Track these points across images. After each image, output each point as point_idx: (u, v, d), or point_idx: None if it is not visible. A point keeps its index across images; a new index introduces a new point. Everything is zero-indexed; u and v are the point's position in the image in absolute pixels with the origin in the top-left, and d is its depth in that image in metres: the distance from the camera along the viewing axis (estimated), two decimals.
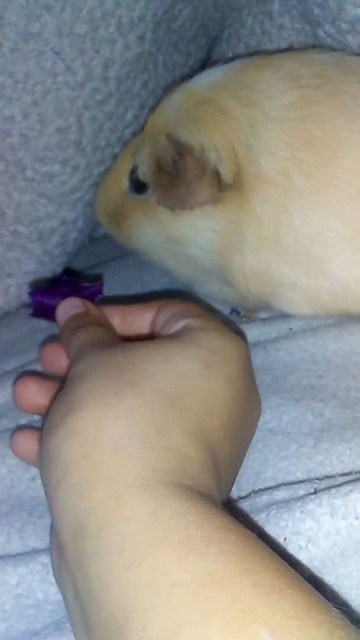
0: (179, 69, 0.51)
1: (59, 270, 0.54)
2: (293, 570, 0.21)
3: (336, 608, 0.19)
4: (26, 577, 0.27)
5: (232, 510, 0.29)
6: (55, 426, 0.26)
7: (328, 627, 0.18)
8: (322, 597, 0.20)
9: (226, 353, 0.30)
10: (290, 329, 0.41)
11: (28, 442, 0.33)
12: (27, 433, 0.34)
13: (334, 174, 0.37)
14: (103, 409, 0.25)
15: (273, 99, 0.38)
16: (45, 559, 0.28)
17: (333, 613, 0.19)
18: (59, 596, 0.27)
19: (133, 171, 0.43)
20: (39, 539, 0.32)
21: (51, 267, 0.53)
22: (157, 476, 0.23)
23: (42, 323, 0.51)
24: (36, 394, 0.34)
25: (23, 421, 0.40)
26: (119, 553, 0.21)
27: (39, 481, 0.36)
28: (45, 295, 0.41)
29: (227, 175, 0.38)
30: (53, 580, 0.27)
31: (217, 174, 0.39)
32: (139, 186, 0.43)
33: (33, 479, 0.37)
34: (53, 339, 0.38)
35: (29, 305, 0.42)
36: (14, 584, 0.27)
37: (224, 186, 0.39)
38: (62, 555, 0.23)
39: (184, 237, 0.41)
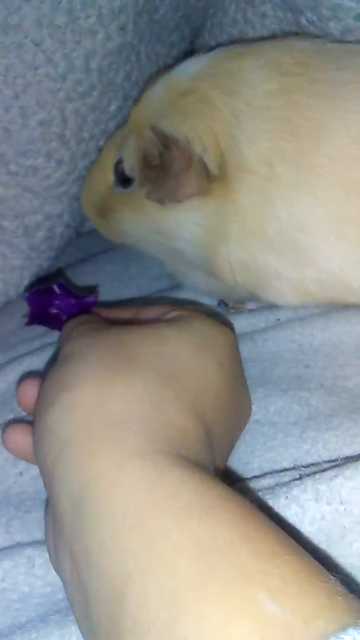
0: (162, 59, 0.51)
1: (45, 265, 0.54)
2: (292, 539, 0.21)
3: (336, 577, 0.19)
4: (11, 570, 0.27)
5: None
6: (52, 403, 0.26)
7: (327, 593, 0.18)
8: (321, 566, 0.20)
9: (215, 339, 0.31)
10: (278, 319, 0.41)
11: (20, 437, 0.33)
12: (19, 427, 0.34)
13: (317, 163, 0.37)
14: (101, 386, 0.25)
15: (254, 87, 0.38)
16: (30, 552, 0.28)
17: (332, 581, 0.19)
18: (45, 589, 0.27)
19: (118, 165, 0.43)
20: (25, 534, 0.32)
21: (38, 263, 0.53)
22: (157, 447, 0.23)
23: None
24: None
25: (10, 416, 0.40)
26: (120, 519, 0.21)
27: (27, 476, 0.36)
28: (42, 300, 0.41)
29: (212, 165, 0.38)
30: (39, 573, 0.27)
31: (203, 164, 0.38)
32: (124, 180, 0.43)
33: (20, 474, 0.37)
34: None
35: (25, 315, 0.43)
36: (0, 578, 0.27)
37: (210, 177, 0.39)
38: (60, 529, 0.23)
39: (170, 231, 0.41)
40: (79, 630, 0.25)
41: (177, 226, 0.40)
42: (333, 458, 0.31)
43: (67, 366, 0.28)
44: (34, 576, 0.27)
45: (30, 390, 0.33)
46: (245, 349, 0.40)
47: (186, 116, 0.38)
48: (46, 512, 0.28)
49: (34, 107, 0.44)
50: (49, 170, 0.48)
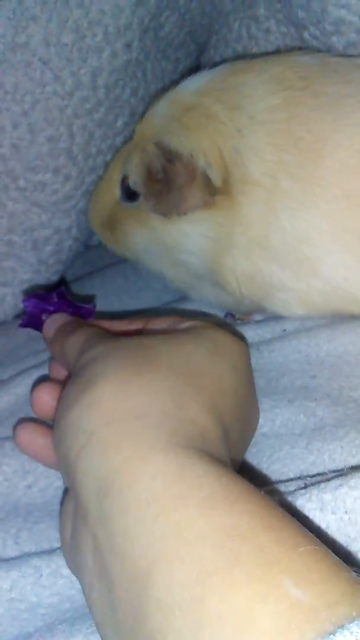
0: (168, 75, 0.52)
1: (54, 278, 0.54)
2: (311, 533, 0.21)
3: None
4: (19, 581, 0.27)
5: None
6: (75, 400, 0.26)
7: (348, 581, 0.19)
8: (341, 560, 0.20)
9: (229, 346, 0.32)
10: (284, 330, 0.42)
11: (32, 436, 0.34)
12: (31, 427, 0.34)
13: (320, 175, 0.37)
14: (123, 383, 0.26)
15: (258, 102, 0.39)
16: (38, 562, 0.28)
17: (353, 572, 0.19)
18: (52, 599, 0.27)
19: (124, 179, 0.44)
20: (33, 544, 0.32)
21: (46, 276, 0.53)
22: (179, 441, 0.24)
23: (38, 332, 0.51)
24: (53, 396, 0.34)
25: None
26: (144, 507, 0.21)
27: (35, 488, 0.37)
28: (38, 305, 0.41)
29: (216, 179, 0.39)
30: (46, 583, 0.27)
31: (207, 178, 0.39)
32: (130, 194, 0.43)
33: (29, 486, 0.37)
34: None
35: (20, 315, 0.43)
36: (7, 588, 0.27)
37: (214, 190, 0.39)
38: (84, 517, 0.24)
39: (176, 244, 0.42)
40: (85, 638, 0.25)
41: (183, 239, 0.41)
42: (339, 469, 0.30)
43: (88, 369, 0.28)
44: (41, 586, 0.27)
45: (44, 394, 0.34)
46: (252, 360, 0.40)
47: (190, 131, 0.39)
48: (64, 501, 0.28)
49: (42, 124, 0.45)
50: (57, 185, 0.49)
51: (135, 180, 0.42)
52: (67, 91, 0.45)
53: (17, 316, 0.54)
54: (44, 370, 0.44)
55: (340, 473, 0.28)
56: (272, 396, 0.38)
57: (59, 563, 0.28)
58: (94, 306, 0.41)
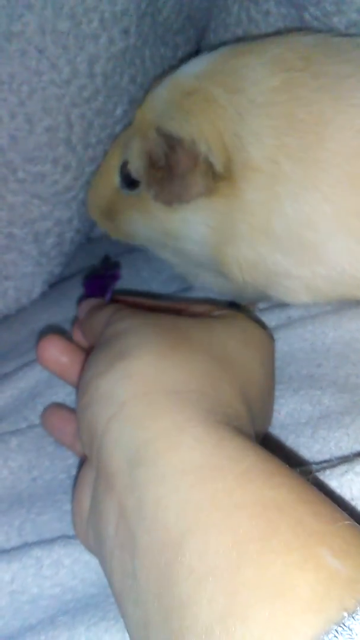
0: (167, 62, 0.51)
1: (57, 271, 0.54)
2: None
3: None
4: (20, 572, 0.27)
5: None
6: (107, 369, 0.26)
7: None
8: None
9: (258, 338, 0.32)
10: (289, 317, 0.41)
11: (56, 417, 0.35)
12: (58, 410, 0.35)
13: (321, 158, 0.37)
14: (160, 357, 0.26)
15: (258, 84, 0.38)
16: (38, 552, 0.28)
17: None
18: (54, 590, 0.27)
19: (124, 166, 0.43)
20: (37, 536, 0.32)
21: (49, 269, 0.53)
22: (216, 417, 0.23)
23: (42, 326, 0.51)
24: (60, 350, 0.34)
25: (23, 425, 0.40)
26: (180, 476, 0.21)
27: (40, 481, 0.36)
28: (96, 287, 0.42)
29: (218, 165, 0.38)
30: (47, 573, 0.27)
31: (209, 164, 0.38)
32: (130, 182, 0.43)
33: (34, 479, 0.36)
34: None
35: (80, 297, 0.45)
36: (8, 580, 0.27)
37: (216, 176, 0.38)
38: (110, 486, 0.23)
39: (177, 232, 0.41)
40: (87, 631, 0.25)
41: (185, 227, 0.40)
42: (345, 456, 0.30)
43: (120, 340, 0.27)
44: (42, 577, 0.27)
45: (52, 348, 0.35)
46: None
47: (191, 116, 0.38)
48: (78, 476, 0.28)
49: (39, 114, 0.45)
50: (57, 176, 0.48)
51: (137, 168, 0.41)
52: (64, 80, 0.44)
53: (21, 310, 0.54)
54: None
55: (346, 460, 0.28)
56: (278, 386, 0.37)
57: (60, 553, 0.27)
58: (119, 272, 0.43)
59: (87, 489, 0.26)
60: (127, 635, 0.25)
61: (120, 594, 0.22)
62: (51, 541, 0.29)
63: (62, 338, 0.36)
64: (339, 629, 0.16)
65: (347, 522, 0.19)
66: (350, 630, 0.16)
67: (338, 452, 0.31)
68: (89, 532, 0.26)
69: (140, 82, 0.49)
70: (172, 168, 0.39)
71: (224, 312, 0.34)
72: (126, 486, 0.22)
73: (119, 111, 0.48)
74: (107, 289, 0.41)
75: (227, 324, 0.32)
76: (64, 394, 0.41)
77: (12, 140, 0.45)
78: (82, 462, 0.29)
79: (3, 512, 0.33)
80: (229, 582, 0.18)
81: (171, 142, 0.38)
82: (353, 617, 0.16)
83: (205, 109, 0.38)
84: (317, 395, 0.35)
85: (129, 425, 0.23)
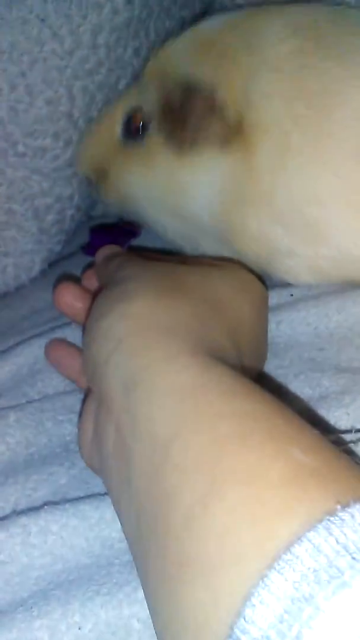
0: (171, 36, 0.50)
1: (57, 249, 0.53)
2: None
3: None
4: (6, 541, 0.26)
5: None
6: (107, 312, 0.29)
7: (349, 457, 0.21)
8: None
9: (251, 285, 0.35)
10: (291, 295, 0.40)
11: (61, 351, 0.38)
12: (60, 342, 0.38)
13: (329, 130, 0.36)
14: (154, 299, 0.29)
15: (274, 46, 0.37)
16: (25, 520, 0.27)
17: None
18: (44, 559, 0.27)
19: (129, 117, 0.41)
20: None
21: (49, 246, 0.52)
22: (203, 350, 0.26)
23: (41, 304, 0.50)
24: (74, 297, 0.38)
25: (23, 400, 0.40)
26: (169, 395, 0.23)
27: (37, 456, 0.36)
28: (102, 237, 0.45)
29: (230, 117, 0.37)
30: (35, 541, 0.27)
31: (225, 116, 0.37)
32: (134, 133, 0.41)
33: (31, 455, 0.36)
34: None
35: (84, 246, 0.48)
36: None
37: (231, 130, 0.37)
38: (108, 409, 0.26)
39: (184, 189, 0.40)
40: (82, 607, 0.24)
41: (192, 184, 0.39)
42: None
43: (121, 285, 0.31)
44: (31, 545, 0.27)
45: (67, 295, 0.38)
46: None
47: (209, 65, 0.37)
48: (82, 409, 0.31)
49: (40, 85, 0.44)
50: (58, 151, 0.47)
51: (151, 112, 0.40)
52: (66, 50, 0.43)
53: (21, 288, 0.53)
54: (45, 340, 0.43)
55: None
56: (278, 371, 0.37)
57: (47, 519, 0.27)
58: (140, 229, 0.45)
59: (90, 417, 0.29)
60: (123, 611, 0.25)
61: (117, 498, 0.25)
62: (37, 508, 0.29)
63: (77, 285, 0.39)
64: (303, 506, 0.18)
65: (318, 432, 0.22)
66: (313, 509, 0.18)
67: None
68: (93, 454, 0.29)
69: (144, 55, 0.48)
70: (187, 113, 0.38)
71: (220, 262, 0.37)
72: (122, 407, 0.25)
73: (121, 85, 0.47)
74: (124, 244, 0.42)
75: (223, 271, 0.35)
76: None
77: (12, 112, 0.44)
78: (86, 394, 0.33)
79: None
80: (209, 472, 0.20)
81: (188, 89, 0.37)
82: (318, 500, 0.18)
83: (222, 60, 0.37)
84: (317, 377, 0.35)
85: (126, 357, 0.26)
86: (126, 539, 0.24)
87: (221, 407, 0.22)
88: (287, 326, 0.39)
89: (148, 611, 0.22)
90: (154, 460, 0.22)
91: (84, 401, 0.33)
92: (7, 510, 0.32)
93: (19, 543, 0.26)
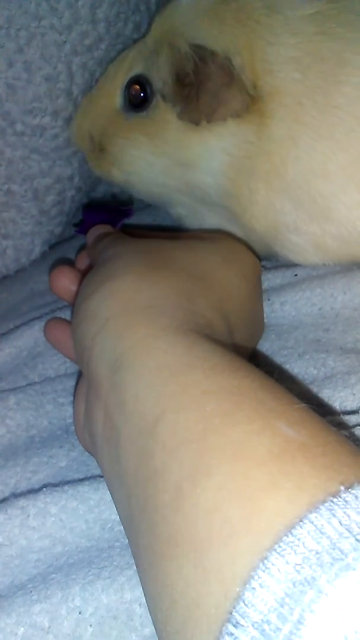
0: None
1: (57, 231, 0.52)
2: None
3: None
4: (5, 523, 0.26)
5: None
6: (94, 291, 0.29)
7: (338, 433, 0.21)
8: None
9: (242, 256, 0.34)
10: (296, 275, 0.39)
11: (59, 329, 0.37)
12: (58, 322, 0.38)
13: (337, 103, 0.34)
14: (139, 277, 0.28)
15: (294, 8, 0.35)
16: (23, 502, 0.27)
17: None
18: (43, 542, 0.26)
19: (131, 85, 0.39)
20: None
21: (49, 228, 0.51)
22: (189, 327, 0.26)
23: (41, 287, 0.50)
24: (70, 281, 0.37)
25: (23, 383, 0.40)
26: (155, 374, 0.23)
27: (37, 439, 0.36)
28: (95, 215, 0.44)
29: (249, 85, 0.35)
30: (34, 524, 0.26)
31: (243, 82, 0.35)
32: (137, 102, 0.39)
33: (32, 438, 0.36)
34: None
35: (76, 224, 0.47)
36: None
37: (250, 97, 0.35)
38: (96, 391, 0.26)
39: (193, 159, 0.38)
40: (83, 590, 0.24)
41: (203, 154, 0.37)
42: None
43: (107, 264, 0.30)
44: (30, 528, 0.26)
45: (62, 278, 0.37)
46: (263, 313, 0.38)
47: (225, 26, 0.35)
48: (76, 391, 0.31)
49: (38, 62, 0.43)
50: (57, 130, 0.46)
51: (163, 84, 0.37)
52: (64, 25, 0.42)
53: (20, 271, 0.52)
54: (44, 323, 0.42)
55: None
56: (282, 351, 0.36)
57: (46, 501, 0.27)
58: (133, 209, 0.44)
59: (82, 398, 0.29)
60: (125, 595, 0.25)
61: (109, 478, 0.25)
62: (36, 490, 0.28)
63: (72, 269, 0.38)
64: (292, 480, 0.18)
65: (304, 405, 0.21)
66: (301, 483, 0.18)
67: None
68: (85, 435, 0.29)
69: (144, 30, 0.46)
70: (202, 83, 0.35)
71: (211, 235, 0.37)
72: (109, 389, 0.25)
73: None
74: (117, 223, 0.41)
75: (211, 243, 0.34)
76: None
77: (10, 89, 0.43)
78: (80, 375, 0.33)
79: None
80: (196, 449, 0.20)
81: (203, 55, 0.35)
82: (303, 470, 0.18)
83: (240, 19, 0.35)
84: (322, 358, 0.34)
85: (111, 338, 0.26)
86: (120, 518, 0.24)
87: (207, 384, 0.22)
88: (292, 307, 0.38)
89: None
90: (142, 440, 0.22)
91: (77, 383, 0.33)
92: (7, 494, 0.31)
93: (18, 525, 0.26)
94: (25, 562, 0.25)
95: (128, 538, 0.23)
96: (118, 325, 0.26)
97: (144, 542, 0.21)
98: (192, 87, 0.36)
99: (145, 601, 0.24)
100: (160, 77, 0.37)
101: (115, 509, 0.27)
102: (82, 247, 0.44)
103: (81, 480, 0.29)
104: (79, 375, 0.37)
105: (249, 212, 0.38)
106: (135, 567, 0.25)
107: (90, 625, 0.24)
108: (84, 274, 0.38)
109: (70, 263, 0.42)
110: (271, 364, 0.35)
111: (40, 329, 0.42)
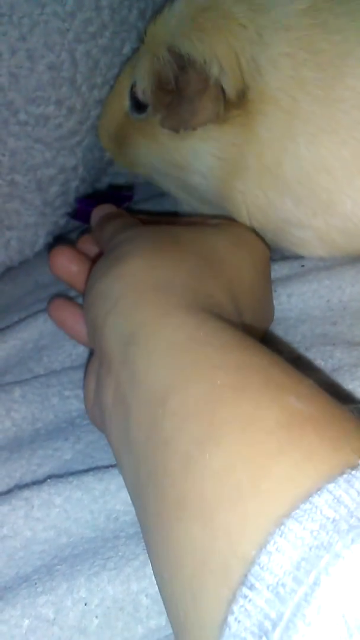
0: None
1: (61, 222, 0.52)
2: None
3: None
4: (9, 515, 0.26)
5: None
6: (105, 273, 0.29)
7: (348, 412, 0.21)
8: None
9: (251, 243, 0.35)
10: (302, 265, 0.39)
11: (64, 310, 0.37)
12: (64, 302, 0.38)
13: (340, 97, 0.34)
14: (149, 259, 0.29)
15: (285, 5, 0.35)
16: (27, 493, 0.27)
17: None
18: (48, 533, 0.26)
19: (132, 88, 0.40)
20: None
21: (53, 219, 0.51)
22: (199, 306, 0.26)
23: (46, 279, 0.50)
24: (69, 260, 0.38)
25: (28, 376, 0.39)
26: (166, 350, 0.24)
27: (43, 431, 0.35)
28: (88, 202, 0.45)
29: (230, 91, 0.35)
30: (38, 515, 0.26)
31: (221, 89, 0.35)
32: (138, 105, 0.40)
33: (37, 430, 0.35)
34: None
35: (69, 214, 0.48)
36: None
37: (228, 104, 0.35)
38: (108, 366, 0.27)
39: (184, 162, 0.38)
40: (88, 582, 0.24)
41: (192, 157, 0.38)
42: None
43: (118, 248, 0.31)
44: (34, 519, 0.26)
45: (61, 257, 0.38)
46: None
47: (205, 33, 0.35)
48: (86, 369, 0.32)
49: (41, 50, 0.42)
50: (61, 119, 0.46)
51: (144, 90, 0.38)
52: (68, 12, 0.42)
53: (25, 262, 0.52)
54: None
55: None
56: (290, 346, 0.36)
57: (50, 492, 0.27)
58: (133, 193, 0.44)
59: (93, 375, 0.30)
60: (131, 586, 0.24)
61: (118, 450, 0.26)
62: (40, 481, 0.28)
63: (71, 248, 0.39)
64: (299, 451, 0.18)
65: (313, 383, 0.22)
66: (310, 452, 0.18)
67: (352, 405, 0.29)
68: (95, 411, 0.29)
69: (149, 17, 0.46)
70: (181, 91, 0.36)
71: (220, 220, 0.37)
72: (121, 363, 0.25)
73: (126, 49, 0.46)
74: (119, 206, 0.41)
75: (220, 229, 0.35)
76: (71, 347, 0.40)
77: (13, 78, 0.43)
78: (90, 354, 0.34)
79: (4, 460, 0.32)
80: (206, 420, 0.21)
81: (182, 63, 0.35)
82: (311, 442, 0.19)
83: (222, 26, 0.35)
84: (329, 350, 0.34)
85: (122, 317, 0.27)
86: (128, 491, 0.25)
87: (217, 360, 0.22)
88: (299, 299, 0.38)
89: (157, 587, 0.21)
90: (152, 411, 0.23)
91: (88, 361, 0.33)
92: (12, 486, 0.31)
93: (22, 516, 0.26)
94: (30, 554, 0.25)
95: (136, 509, 0.24)
96: (129, 304, 0.27)
97: (153, 509, 0.21)
98: (174, 95, 0.36)
99: (151, 592, 0.24)
100: (142, 84, 0.38)
101: (119, 498, 0.27)
102: (83, 231, 0.44)
103: (85, 471, 0.29)
104: (85, 367, 0.36)
105: (246, 212, 0.38)
106: (141, 558, 0.25)
107: (96, 617, 0.24)
108: (88, 257, 0.39)
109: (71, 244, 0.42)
110: (291, 352, 0.34)
111: (45, 321, 0.42)
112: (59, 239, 0.53)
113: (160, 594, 0.21)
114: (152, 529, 0.21)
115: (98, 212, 0.40)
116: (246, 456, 0.19)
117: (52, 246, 0.52)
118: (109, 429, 0.26)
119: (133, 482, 0.24)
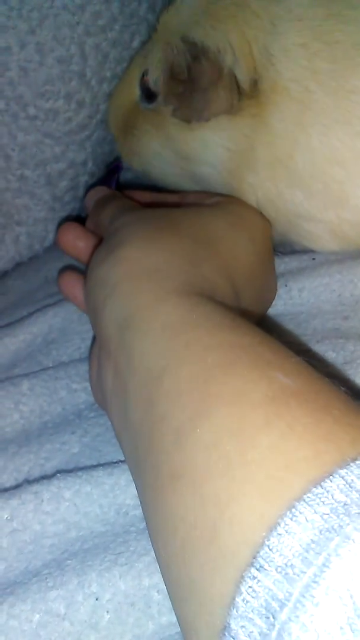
0: None
1: (71, 217, 0.52)
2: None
3: None
4: (19, 509, 0.26)
5: None
6: (103, 259, 0.30)
7: (334, 386, 0.22)
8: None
9: (250, 219, 0.35)
10: (313, 259, 0.38)
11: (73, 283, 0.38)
12: (72, 274, 0.38)
13: (354, 87, 0.33)
14: (145, 243, 0.30)
15: None
16: (37, 487, 0.27)
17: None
18: (57, 527, 0.26)
19: (143, 77, 0.40)
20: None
21: (62, 214, 0.51)
22: (192, 290, 0.27)
23: (55, 274, 0.49)
24: (76, 236, 0.39)
25: (35, 368, 0.39)
26: (160, 332, 0.25)
27: (50, 425, 0.35)
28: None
29: (244, 80, 0.35)
30: (48, 508, 0.26)
31: (234, 78, 0.35)
32: (148, 95, 0.40)
33: (45, 424, 0.35)
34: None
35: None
36: (8, 517, 0.26)
37: (242, 94, 0.35)
38: (106, 350, 0.28)
39: (193, 153, 0.38)
40: (99, 577, 0.24)
41: (201, 148, 0.37)
42: None
43: (116, 234, 0.32)
44: (43, 513, 0.26)
45: (68, 234, 0.39)
46: (280, 301, 0.38)
47: (219, 22, 0.35)
48: (90, 353, 0.33)
49: (51, 43, 0.42)
50: (70, 113, 0.45)
51: (156, 80, 0.38)
52: (77, 5, 0.41)
53: (34, 258, 0.52)
54: (59, 309, 0.42)
55: None
56: (301, 340, 0.35)
57: (60, 486, 0.26)
58: (121, 162, 0.45)
59: (95, 359, 0.31)
60: (142, 582, 0.24)
61: (119, 430, 0.27)
62: (49, 475, 0.28)
63: (78, 225, 0.40)
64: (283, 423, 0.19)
65: (302, 360, 0.23)
66: (293, 423, 0.19)
67: None
68: (98, 391, 0.31)
69: (159, 10, 0.45)
70: (194, 81, 0.35)
71: (219, 198, 0.37)
72: (118, 347, 0.26)
73: (136, 42, 0.45)
74: (111, 181, 0.42)
75: (217, 209, 0.35)
76: (79, 340, 0.40)
77: (22, 72, 0.42)
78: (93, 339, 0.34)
79: (12, 455, 0.32)
80: (197, 397, 0.22)
81: (195, 52, 0.35)
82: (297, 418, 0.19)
83: (235, 15, 0.35)
84: (341, 342, 0.34)
85: (119, 302, 0.28)
86: (129, 468, 0.26)
87: (208, 340, 0.23)
88: (310, 293, 0.38)
89: None
90: (148, 391, 0.24)
91: (91, 346, 0.34)
92: (20, 480, 0.31)
93: (32, 510, 0.26)
94: (40, 548, 0.25)
95: (137, 489, 0.24)
96: (125, 290, 0.28)
97: (149, 482, 0.22)
98: (187, 85, 0.36)
99: (163, 588, 0.24)
100: (154, 74, 0.38)
101: (129, 493, 0.27)
102: None
103: (94, 465, 0.29)
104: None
105: (256, 204, 0.37)
106: (152, 554, 0.25)
107: (107, 612, 0.24)
108: (96, 235, 0.39)
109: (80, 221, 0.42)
110: (301, 345, 0.34)
111: (54, 315, 0.42)
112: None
113: (159, 565, 0.21)
114: (150, 504, 0.22)
115: (92, 196, 0.40)
116: (234, 429, 0.20)
117: None
118: (110, 411, 0.27)
119: (132, 459, 0.25)
